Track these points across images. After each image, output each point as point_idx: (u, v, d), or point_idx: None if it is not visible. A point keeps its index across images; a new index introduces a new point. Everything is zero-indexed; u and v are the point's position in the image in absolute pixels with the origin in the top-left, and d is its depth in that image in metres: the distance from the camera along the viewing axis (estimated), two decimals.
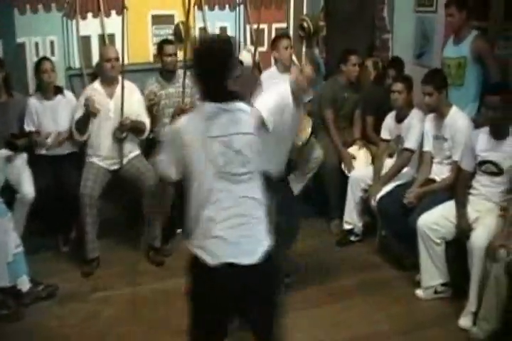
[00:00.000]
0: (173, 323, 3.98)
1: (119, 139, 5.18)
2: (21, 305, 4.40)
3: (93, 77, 5.65)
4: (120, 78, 5.15)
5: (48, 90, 5.26)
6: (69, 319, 4.31)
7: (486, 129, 4.38)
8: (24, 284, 4.45)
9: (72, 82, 5.80)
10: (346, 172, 5.75)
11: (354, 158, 5.83)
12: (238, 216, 2.78)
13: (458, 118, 4.78)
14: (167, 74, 5.62)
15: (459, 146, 4.65)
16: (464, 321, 4.16)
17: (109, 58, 5.17)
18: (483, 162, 4.37)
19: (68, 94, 5.44)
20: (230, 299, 2.79)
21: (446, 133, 4.81)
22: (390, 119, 5.42)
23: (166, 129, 2.78)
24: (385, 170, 5.34)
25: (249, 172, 2.82)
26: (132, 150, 5.32)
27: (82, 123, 5.10)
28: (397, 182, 5.17)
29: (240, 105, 2.92)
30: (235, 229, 2.77)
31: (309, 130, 5.81)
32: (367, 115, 5.94)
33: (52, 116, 5.27)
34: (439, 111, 4.83)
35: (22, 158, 5.13)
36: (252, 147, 2.83)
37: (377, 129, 5.61)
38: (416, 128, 5.12)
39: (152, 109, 5.42)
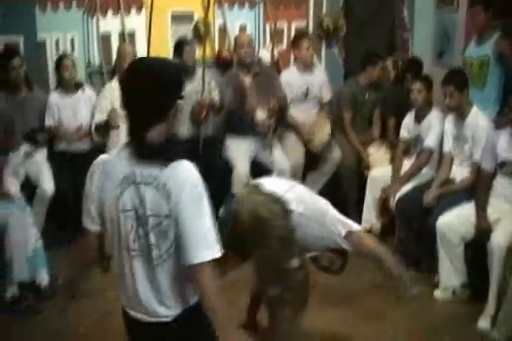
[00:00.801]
0: None
1: None
2: (40, 299, 4.42)
3: (112, 74, 5.67)
4: None
5: (69, 86, 5.30)
6: (86, 315, 4.31)
7: (507, 130, 4.34)
8: (43, 279, 4.47)
9: (92, 79, 5.83)
10: (364, 172, 5.74)
11: (372, 158, 5.81)
12: None
13: (479, 118, 4.75)
14: (186, 71, 5.61)
15: (480, 146, 4.61)
16: (483, 323, 4.12)
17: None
18: (504, 163, 4.34)
19: (88, 89, 5.47)
20: None
21: (466, 134, 4.78)
22: (409, 119, 5.41)
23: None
24: (403, 170, 5.32)
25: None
26: None
27: (102, 130, 5.16)
28: (416, 183, 5.16)
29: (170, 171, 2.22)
30: None
31: (327, 132, 5.82)
32: (388, 116, 5.92)
33: (73, 112, 5.33)
34: (460, 112, 4.81)
35: (42, 154, 5.16)
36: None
37: (398, 131, 5.59)
38: (435, 129, 5.11)
39: None
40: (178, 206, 2.18)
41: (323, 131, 5.87)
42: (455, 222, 4.43)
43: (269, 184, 3.56)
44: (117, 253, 2.38)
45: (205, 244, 2.21)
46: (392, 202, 5.15)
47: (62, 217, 5.29)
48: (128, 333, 2.58)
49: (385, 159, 5.84)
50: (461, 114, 4.80)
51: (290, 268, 3.40)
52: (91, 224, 2.43)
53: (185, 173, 2.22)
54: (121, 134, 5.17)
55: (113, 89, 5.23)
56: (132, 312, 2.44)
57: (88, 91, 5.45)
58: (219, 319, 2.23)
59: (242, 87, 5.41)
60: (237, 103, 5.44)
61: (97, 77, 5.84)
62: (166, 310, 2.37)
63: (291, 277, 3.42)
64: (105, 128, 5.18)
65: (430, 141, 5.12)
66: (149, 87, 2.20)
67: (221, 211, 3.58)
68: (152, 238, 2.26)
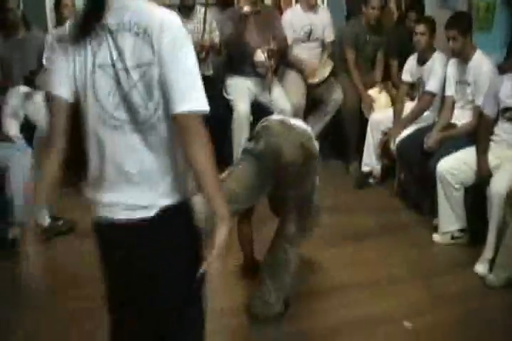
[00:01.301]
0: None
1: None
2: (41, 240, 4.45)
3: None
4: None
5: None
6: (89, 253, 4.34)
7: (511, 75, 4.30)
8: (44, 220, 4.50)
9: None
10: (366, 114, 5.71)
11: (373, 100, 5.78)
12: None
13: (482, 62, 4.69)
14: (185, 10, 5.54)
15: (482, 91, 4.57)
16: (480, 268, 4.16)
17: None
18: (507, 108, 4.30)
19: None
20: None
21: (469, 78, 4.74)
22: (411, 61, 5.35)
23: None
24: (405, 113, 5.29)
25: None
26: None
27: None
28: (418, 126, 5.14)
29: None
30: None
31: (328, 69, 5.77)
32: (391, 58, 5.86)
33: None
34: (463, 55, 4.75)
35: (41, 95, 5.11)
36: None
37: (401, 73, 5.52)
38: (438, 72, 5.06)
39: None
40: (162, 49, 1.96)
41: (325, 68, 5.83)
42: (455, 166, 4.42)
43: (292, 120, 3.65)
44: (92, 130, 2.09)
45: (195, 93, 1.99)
46: (393, 145, 5.13)
47: (64, 157, 5.30)
48: (101, 250, 2.31)
49: (386, 102, 5.81)
50: (464, 57, 4.75)
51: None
52: (64, 91, 2.06)
53: (167, 15, 2.01)
54: None
55: None
56: (106, 213, 2.14)
57: None
58: (206, 182, 2.03)
59: (242, 25, 5.30)
60: (236, 37, 5.34)
61: None
62: (149, 200, 2.09)
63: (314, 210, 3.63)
64: None
65: (432, 85, 5.08)
66: None
67: (251, 144, 3.54)
68: (136, 96, 2.00)
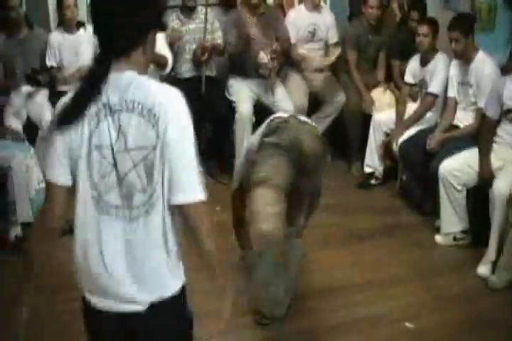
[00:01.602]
0: (191, 260, 3.99)
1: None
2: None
3: None
4: None
5: (71, 25, 5.21)
6: None
7: None
8: None
9: None
10: (367, 112, 5.72)
11: (374, 102, 5.77)
12: None
13: (484, 63, 4.68)
14: (187, 10, 5.56)
15: (484, 92, 4.56)
16: (483, 269, 4.16)
17: None
18: (510, 110, 4.29)
19: (90, 28, 5.37)
20: None
21: (471, 79, 4.72)
22: (414, 63, 5.34)
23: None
24: (408, 114, 5.28)
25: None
26: None
27: None
28: (420, 127, 5.13)
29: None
30: None
31: (333, 58, 5.79)
32: (393, 59, 5.84)
33: (74, 51, 5.24)
34: (465, 57, 4.73)
35: (43, 94, 5.12)
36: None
37: (403, 74, 5.51)
38: (440, 73, 5.05)
39: (174, 45, 5.39)
40: (167, 136, 1.89)
41: (329, 58, 5.86)
42: (458, 168, 4.42)
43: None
44: (83, 214, 2.02)
45: (197, 184, 1.95)
46: (396, 146, 5.13)
47: None
48: (89, 332, 2.24)
49: (389, 102, 5.79)
50: (466, 59, 4.73)
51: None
52: (60, 176, 1.99)
53: (173, 96, 1.96)
54: None
55: None
56: (96, 300, 2.10)
57: (90, 31, 5.34)
58: (212, 261, 2.08)
59: (246, 31, 5.31)
60: (241, 47, 5.35)
61: None
62: (140, 293, 2.03)
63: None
64: None
65: (435, 86, 5.07)
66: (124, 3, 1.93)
67: (274, 138, 3.56)
68: (134, 178, 1.93)
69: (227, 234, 4.64)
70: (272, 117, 3.70)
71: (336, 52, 5.88)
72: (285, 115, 3.77)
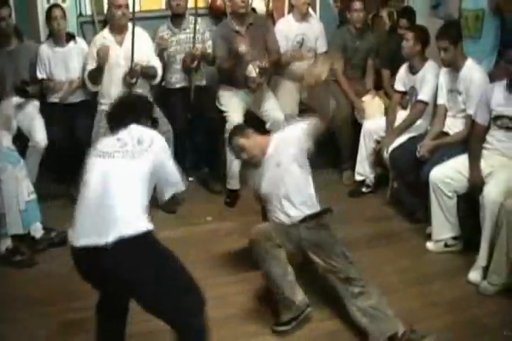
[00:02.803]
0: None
1: (129, 85, 5.15)
2: (34, 251, 4.45)
3: (104, 24, 5.59)
4: (130, 25, 5.10)
5: (59, 37, 5.21)
6: None
7: (502, 83, 4.31)
8: (37, 231, 4.51)
9: (84, 29, 5.75)
10: (359, 119, 5.73)
11: (364, 108, 5.78)
12: None
13: (473, 71, 4.69)
14: (177, 19, 5.56)
15: (474, 100, 4.57)
16: (474, 275, 4.17)
17: (119, 5, 5.11)
18: (499, 116, 4.31)
19: (80, 41, 5.39)
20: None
21: (460, 87, 4.74)
22: (403, 70, 5.35)
23: None
24: (398, 122, 5.30)
25: None
26: None
27: (95, 74, 5.09)
28: (411, 135, 5.14)
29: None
30: None
31: (328, 69, 5.78)
32: (382, 67, 5.86)
33: (64, 64, 5.25)
34: (455, 65, 4.75)
35: (33, 106, 5.13)
36: None
37: (393, 82, 5.53)
38: (430, 81, 5.06)
39: (163, 55, 5.40)
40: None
41: (323, 70, 5.83)
42: (448, 174, 4.43)
43: None
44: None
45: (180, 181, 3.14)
46: (386, 154, 5.14)
47: (56, 169, 5.30)
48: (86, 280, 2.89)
49: (379, 110, 5.81)
50: (455, 67, 4.75)
51: None
52: None
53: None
54: (111, 81, 5.16)
55: (104, 37, 5.17)
56: (84, 240, 2.74)
57: (80, 43, 5.35)
58: None
59: (235, 45, 5.30)
60: (230, 61, 5.36)
61: (89, 28, 5.75)
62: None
63: None
64: (98, 68, 5.09)
65: (425, 94, 5.08)
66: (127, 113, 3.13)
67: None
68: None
69: (222, 242, 4.70)
70: None
71: (326, 67, 5.86)
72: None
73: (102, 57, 4.98)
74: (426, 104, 5.10)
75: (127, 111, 3.13)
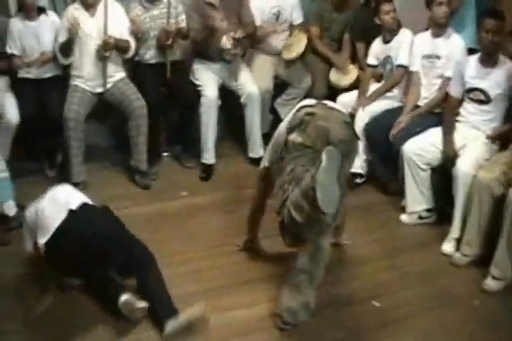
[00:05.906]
0: (159, 246, 3.98)
1: (102, 58, 5.08)
2: (8, 229, 4.42)
3: None
4: None
5: (30, 11, 5.10)
6: None
7: (475, 56, 4.35)
8: (10, 209, 4.45)
9: (55, 2, 5.64)
10: (335, 83, 5.77)
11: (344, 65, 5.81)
12: None
13: (455, 36, 4.76)
14: None
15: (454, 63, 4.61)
16: (447, 246, 4.24)
17: None
18: (472, 89, 4.34)
19: (51, 14, 5.28)
20: None
21: (441, 51, 4.76)
22: (376, 44, 5.34)
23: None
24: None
25: None
26: (117, 72, 5.23)
27: (66, 46, 5.01)
28: (386, 108, 5.13)
29: None
30: None
31: (303, 44, 5.76)
32: (357, 41, 5.82)
33: (36, 37, 5.14)
34: (436, 29, 4.79)
35: (3, 82, 5.05)
36: None
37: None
38: (407, 46, 5.04)
39: (137, 32, 5.32)
40: None
41: (300, 43, 5.82)
42: (422, 147, 4.46)
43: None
44: None
45: None
46: (362, 111, 5.12)
47: (29, 145, 5.25)
48: None
49: (355, 82, 5.79)
50: (436, 31, 4.79)
51: None
52: None
53: None
54: (83, 54, 5.09)
55: (76, 8, 5.07)
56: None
57: (52, 16, 5.26)
58: None
59: (209, 17, 5.25)
60: (203, 33, 5.31)
61: (60, 1, 5.64)
62: None
63: None
64: (69, 40, 5.01)
65: (403, 58, 5.07)
66: None
67: (298, 137, 3.26)
68: None
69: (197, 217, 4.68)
70: (299, 106, 3.49)
71: (304, 39, 5.84)
72: (312, 101, 3.53)
73: (72, 28, 4.90)
74: (405, 67, 5.08)
75: None
